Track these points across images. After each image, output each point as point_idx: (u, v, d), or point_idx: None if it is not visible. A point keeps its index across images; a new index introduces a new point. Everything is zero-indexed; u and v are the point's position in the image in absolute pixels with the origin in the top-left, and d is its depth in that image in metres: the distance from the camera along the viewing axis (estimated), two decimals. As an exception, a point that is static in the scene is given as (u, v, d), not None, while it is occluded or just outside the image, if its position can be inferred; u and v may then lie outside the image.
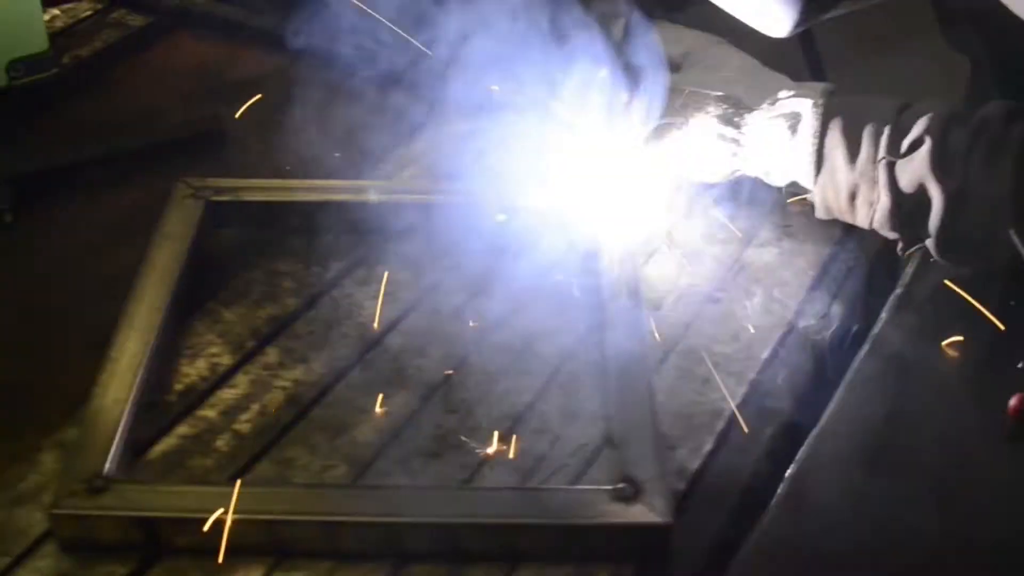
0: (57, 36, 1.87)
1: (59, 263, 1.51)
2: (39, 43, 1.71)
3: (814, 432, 1.25)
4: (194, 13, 1.99)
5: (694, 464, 1.24)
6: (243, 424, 1.28)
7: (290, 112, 1.63)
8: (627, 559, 1.14)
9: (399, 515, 1.14)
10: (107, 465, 1.17)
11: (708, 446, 1.26)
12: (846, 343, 1.38)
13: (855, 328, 1.41)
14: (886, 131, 1.40)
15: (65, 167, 1.63)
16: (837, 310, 1.43)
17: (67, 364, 1.36)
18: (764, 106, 1.46)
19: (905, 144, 1.39)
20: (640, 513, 1.13)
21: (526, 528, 1.13)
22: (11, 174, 1.59)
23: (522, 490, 1.19)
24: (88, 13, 1.97)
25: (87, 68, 1.86)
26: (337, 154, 1.57)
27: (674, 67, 1.52)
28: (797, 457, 1.23)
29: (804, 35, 1.50)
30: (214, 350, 1.37)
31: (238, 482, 1.16)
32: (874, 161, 1.40)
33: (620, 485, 1.15)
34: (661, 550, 1.14)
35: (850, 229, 1.51)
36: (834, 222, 1.50)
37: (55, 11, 1.94)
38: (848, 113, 1.43)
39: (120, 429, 1.21)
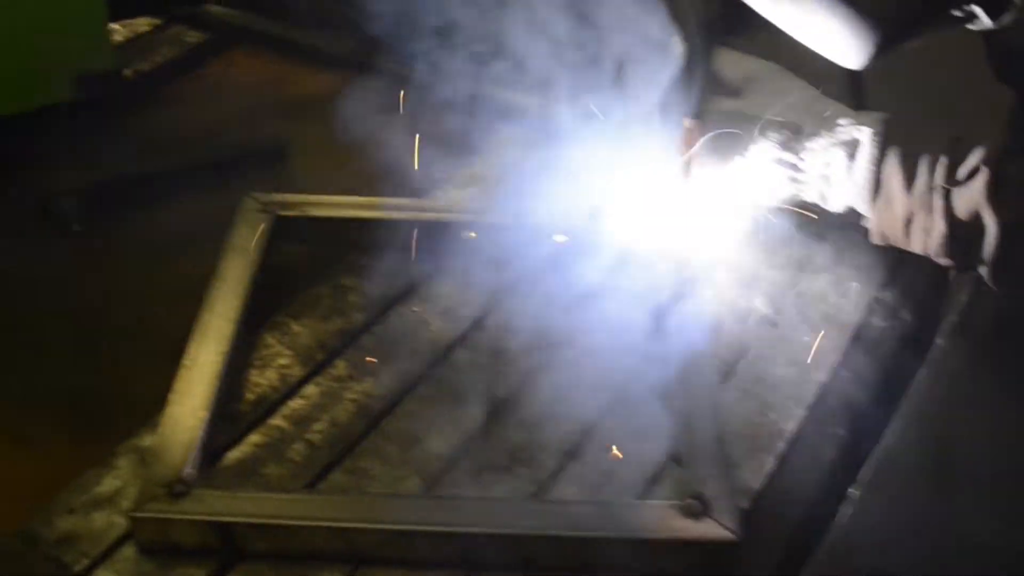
0: (118, 50, 1.90)
1: (126, 273, 1.55)
2: (106, 59, 1.75)
3: (875, 453, 1.27)
4: (249, 31, 2.02)
5: (757, 483, 1.27)
6: (315, 434, 1.31)
7: (350, 130, 1.66)
8: (694, 574, 1.16)
9: (473, 526, 1.17)
10: (186, 471, 1.20)
11: (770, 466, 1.29)
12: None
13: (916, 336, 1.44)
14: (943, 160, 1.42)
15: (131, 180, 1.66)
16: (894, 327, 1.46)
17: (138, 372, 1.39)
18: (823, 132, 1.49)
19: (962, 173, 1.41)
20: (709, 529, 1.16)
21: (597, 541, 1.16)
22: (79, 185, 1.61)
23: (594, 504, 1.22)
24: (147, 28, 2.01)
25: (148, 82, 1.89)
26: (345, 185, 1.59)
27: (734, 92, 1.55)
28: (859, 478, 1.25)
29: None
30: (283, 361, 1.39)
31: (315, 489, 1.19)
32: (931, 189, 1.42)
33: (689, 501, 1.17)
34: (728, 566, 1.16)
35: (904, 255, 1.54)
36: (888, 248, 1.52)
37: (115, 26, 1.98)
38: (905, 141, 1.45)
39: (198, 436, 1.24)
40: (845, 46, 1.23)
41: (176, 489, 1.19)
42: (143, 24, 2.01)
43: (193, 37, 2.01)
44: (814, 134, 1.50)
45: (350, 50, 1.88)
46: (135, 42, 1.98)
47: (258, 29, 2.03)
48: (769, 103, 1.52)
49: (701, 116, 1.52)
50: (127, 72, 1.85)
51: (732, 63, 1.56)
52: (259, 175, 1.70)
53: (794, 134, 1.50)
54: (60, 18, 1.68)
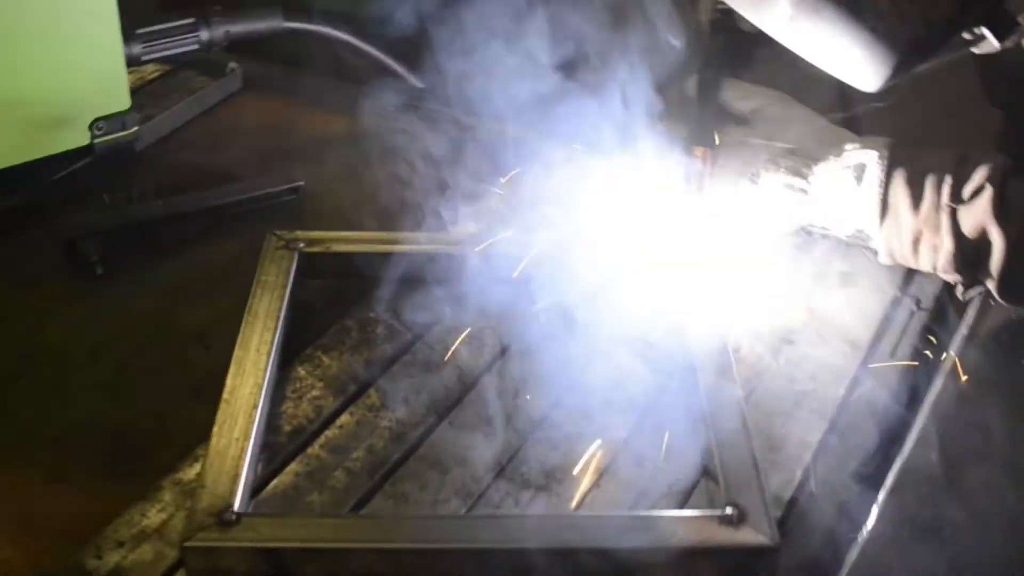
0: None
1: (148, 314, 1.57)
2: (122, 102, 1.77)
3: (897, 460, 1.32)
4: (258, 77, 2.06)
5: (787, 493, 1.31)
6: (353, 462, 1.34)
7: (362, 169, 1.71)
8: (733, 581, 1.20)
9: (517, 542, 1.20)
10: (235, 499, 1.23)
11: (798, 476, 1.33)
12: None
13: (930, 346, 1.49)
14: (948, 179, 1.47)
15: (150, 221, 1.69)
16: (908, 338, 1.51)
17: (171, 408, 1.42)
18: (831, 158, 1.54)
19: (967, 192, 1.46)
20: (748, 536, 1.19)
21: (641, 551, 1.19)
22: (100, 228, 1.64)
23: (634, 516, 1.25)
24: (156, 74, 2.04)
25: (161, 127, 1.92)
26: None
27: (743, 121, 1.60)
28: (885, 484, 1.29)
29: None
30: (316, 393, 1.43)
31: (361, 513, 1.22)
32: (937, 208, 1.47)
33: (727, 510, 1.21)
34: (768, 571, 1.20)
35: (912, 273, 1.59)
36: (896, 267, 1.57)
37: (124, 73, 2.00)
38: (911, 163, 1.50)
39: (243, 466, 1.26)
40: (861, 68, 1.28)
41: (225, 517, 1.21)
42: (151, 70, 2.04)
43: (201, 83, 2.04)
44: (822, 159, 1.55)
45: (358, 94, 1.91)
46: (145, 87, 2.01)
47: (266, 75, 2.06)
48: (777, 131, 1.58)
49: (712, 144, 1.57)
50: (140, 116, 1.87)
51: (739, 93, 1.61)
52: (276, 215, 1.73)
53: (802, 160, 1.56)
54: (77, 63, 1.71)
